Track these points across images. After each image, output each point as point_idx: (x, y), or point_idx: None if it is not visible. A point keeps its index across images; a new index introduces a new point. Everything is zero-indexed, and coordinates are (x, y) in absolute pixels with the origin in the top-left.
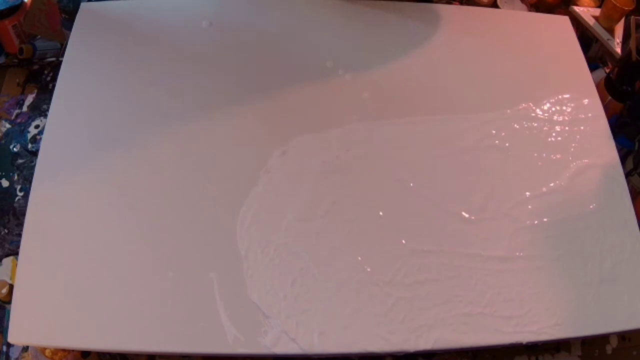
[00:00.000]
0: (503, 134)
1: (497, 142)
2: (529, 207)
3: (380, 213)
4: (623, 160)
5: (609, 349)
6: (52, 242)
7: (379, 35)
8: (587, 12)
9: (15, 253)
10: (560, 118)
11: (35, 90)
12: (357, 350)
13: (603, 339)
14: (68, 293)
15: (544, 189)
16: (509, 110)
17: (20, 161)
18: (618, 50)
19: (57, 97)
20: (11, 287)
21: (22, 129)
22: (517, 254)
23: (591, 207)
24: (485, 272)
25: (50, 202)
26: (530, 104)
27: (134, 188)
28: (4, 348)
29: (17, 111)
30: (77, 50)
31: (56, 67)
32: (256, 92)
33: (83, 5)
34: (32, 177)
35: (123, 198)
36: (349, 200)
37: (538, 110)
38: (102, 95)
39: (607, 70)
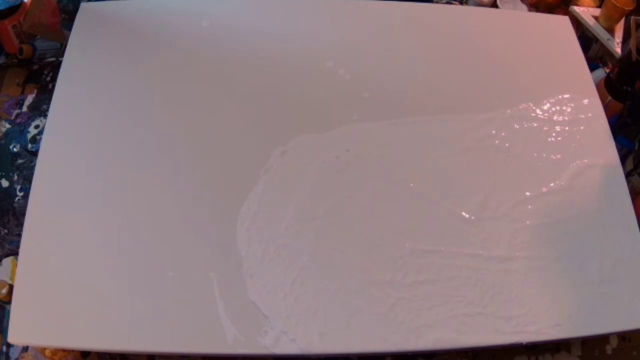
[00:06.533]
0: (503, 134)
1: (497, 142)
2: (529, 207)
3: (380, 213)
4: (623, 160)
5: (609, 349)
6: (52, 242)
7: (379, 35)
8: (587, 12)
9: (15, 253)
10: (560, 118)
11: (35, 90)
12: (357, 350)
13: (603, 339)
14: (68, 293)
15: (544, 189)
16: (509, 110)
17: (20, 161)
18: (618, 50)
19: (57, 97)
20: (11, 287)
21: (22, 129)
22: (517, 254)
23: (591, 207)
24: (485, 272)
25: (50, 202)
26: (530, 104)
27: (134, 188)
28: (4, 348)
29: (17, 111)
30: (77, 50)
31: (56, 67)
32: (256, 92)
33: (83, 5)
34: (32, 177)
35: (123, 198)
36: (348, 200)
37: (538, 110)
38: (101, 95)
39: (607, 70)
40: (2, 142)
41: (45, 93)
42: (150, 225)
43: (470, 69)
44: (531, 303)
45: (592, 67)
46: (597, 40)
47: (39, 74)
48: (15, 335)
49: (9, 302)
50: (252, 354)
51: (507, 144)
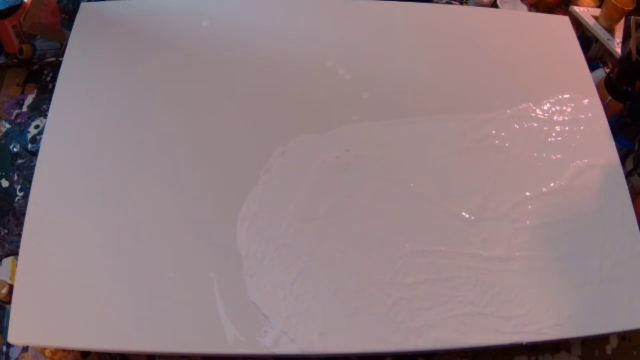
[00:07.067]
0: (503, 134)
1: (497, 142)
2: (529, 207)
3: (380, 213)
4: (623, 160)
5: (609, 349)
6: (52, 242)
7: (379, 35)
8: (587, 12)
9: (15, 253)
10: (560, 118)
11: (35, 90)
12: (357, 350)
13: (603, 339)
14: (68, 293)
15: (544, 189)
16: (509, 110)
17: (20, 161)
18: (618, 50)
19: (57, 97)
20: (11, 287)
21: (22, 129)
22: (517, 254)
23: (591, 207)
24: (485, 272)
25: (50, 202)
26: (530, 104)
27: (134, 188)
28: (4, 348)
29: (17, 111)
30: (77, 50)
31: (56, 67)
32: (256, 92)
33: (83, 5)
34: (32, 177)
35: (123, 198)
36: (348, 201)
37: (538, 110)
38: (101, 95)
39: (607, 70)
40: (2, 142)
41: (45, 93)
42: (150, 225)
43: (470, 69)
44: (531, 303)
45: (592, 67)
46: (597, 40)
47: (39, 74)
48: (15, 335)
49: (9, 302)
50: (252, 354)
51: (507, 144)
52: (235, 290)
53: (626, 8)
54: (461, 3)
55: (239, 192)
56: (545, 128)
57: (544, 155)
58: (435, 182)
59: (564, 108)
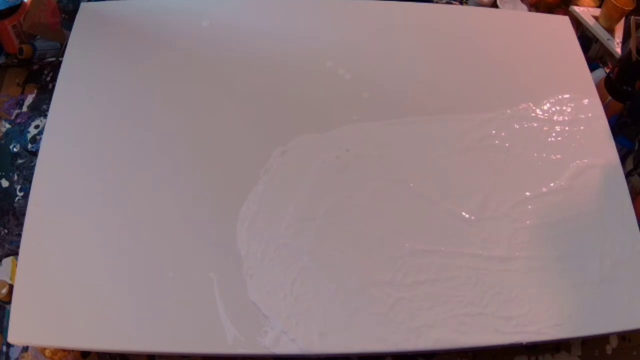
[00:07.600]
0: (503, 134)
1: (497, 142)
2: (529, 207)
3: (380, 213)
4: (623, 160)
5: (609, 349)
6: (52, 242)
7: (379, 35)
8: (587, 12)
9: (15, 253)
10: (560, 118)
11: (35, 90)
12: (357, 350)
13: (603, 339)
14: (68, 293)
15: (544, 189)
16: (509, 110)
17: (20, 161)
18: (618, 50)
19: (57, 97)
20: (11, 287)
21: (22, 129)
22: (517, 254)
23: (591, 207)
24: (485, 272)
25: (50, 202)
26: (530, 104)
27: (134, 188)
28: (4, 348)
29: (17, 111)
30: (77, 50)
31: (56, 67)
32: (256, 92)
33: (83, 5)
34: (32, 177)
35: (123, 198)
36: (348, 201)
37: (538, 110)
38: (101, 95)
39: (607, 70)
40: (2, 142)
41: (45, 93)
42: (150, 225)
43: (470, 69)
44: (531, 303)
45: (592, 67)
46: (597, 40)
47: (39, 74)
48: (15, 335)
49: (9, 302)
50: (252, 354)
51: (507, 144)
52: (235, 290)
53: (626, 8)
54: (461, 3)
55: (239, 192)
56: (545, 128)
57: (544, 155)
58: (435, 182)
59: (564, 108)
